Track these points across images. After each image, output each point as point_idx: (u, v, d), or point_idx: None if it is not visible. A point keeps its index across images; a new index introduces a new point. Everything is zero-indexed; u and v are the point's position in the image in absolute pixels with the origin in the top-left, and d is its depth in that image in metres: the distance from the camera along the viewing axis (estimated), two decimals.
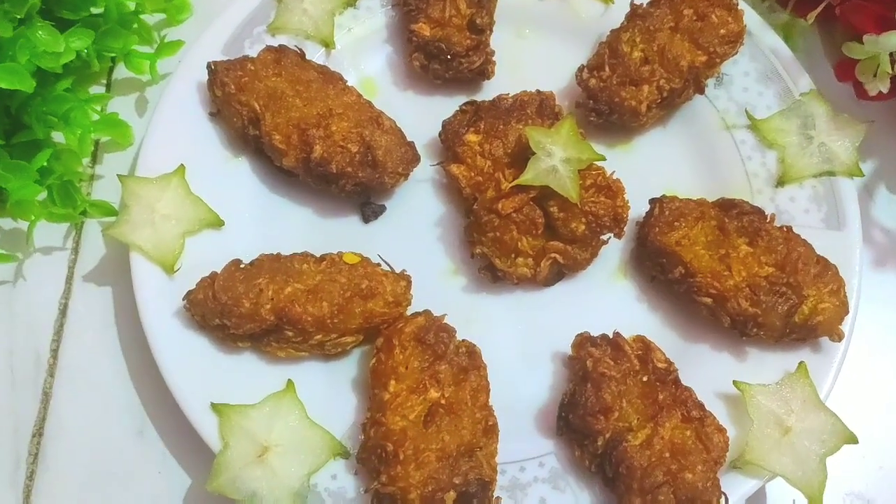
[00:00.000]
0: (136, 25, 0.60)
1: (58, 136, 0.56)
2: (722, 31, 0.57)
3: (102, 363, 0.54)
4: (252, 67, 0.55)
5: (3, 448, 0.51)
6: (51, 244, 0.57)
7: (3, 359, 0.53)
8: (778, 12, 0.63)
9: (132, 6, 0.59)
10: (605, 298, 0.56)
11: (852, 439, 0.49)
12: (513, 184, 0.51)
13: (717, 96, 0.60)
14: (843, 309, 0.51)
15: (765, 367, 0.52)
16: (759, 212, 0.53)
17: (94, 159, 0.59)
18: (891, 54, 0.56)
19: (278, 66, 0.56)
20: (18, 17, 0.49)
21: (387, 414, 0.46)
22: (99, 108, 0.58)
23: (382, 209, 0.57)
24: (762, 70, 0.60)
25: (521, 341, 0.54)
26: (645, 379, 0.49)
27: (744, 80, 0.59)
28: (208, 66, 0.55)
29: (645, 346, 0.50)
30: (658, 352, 0.50)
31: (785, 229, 0.53)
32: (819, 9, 0.61)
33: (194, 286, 0.50)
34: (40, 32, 0.49)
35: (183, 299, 0.50)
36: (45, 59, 0.49)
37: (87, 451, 0.52)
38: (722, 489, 0.47)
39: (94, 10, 0.57)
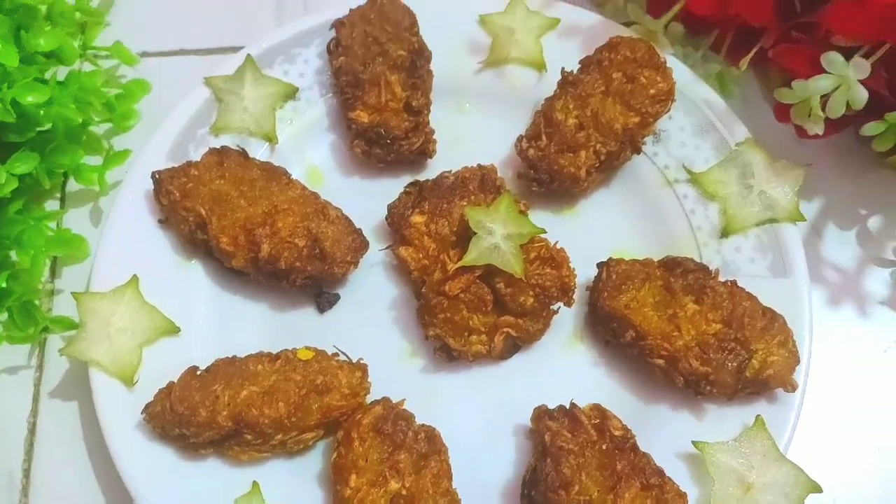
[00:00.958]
0: (84, 137, 0.62)
1: (15, 255, 0.57)
2: (652, 91, 0.58)
3: (73, 478, 0.55)
4: (195, 172, 0.57)
5: None
6: (15, 363, 0.58)
7: None
8: (711, 62, 0.64)
9: (79, 119, 0.60)
10: (563, 366, 0.57)
11: (816, 489, 0.50)
12: (457, 265, 0.52)
13: (655, 153, 0.61)
14: (793, 359, 0.51)
15: (724, 422, 0.53)
16: (703, 269, 0.54)
17: (53, 273, 0.60)
18: (822, 96, 0.58)
19: (221, 168, 0.58)
20: None
21: None
22: (54, 224, 0.59)
23: (336, 298, 0.58)
24: (697, 123, 0.61)
25: (483, 418, 0.55)
26: (604, 447, 0.49)
27: (680, 135, 0.61)
28: (152, 175, 0.57)
29: (601, 415, 0.51)
30: (614, 419, 0.51)
31: (730, 284, 0.53)
32: (750, 55, 0.63)
33: (153, 398, 0.51)
34: None
35: (142, 413, 0.50)
36: None
37: None
38: None
39: (41, 128, 0.59)
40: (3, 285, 0.54)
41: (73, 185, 0.63)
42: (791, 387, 0.51)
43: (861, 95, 0.54)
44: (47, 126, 0.59)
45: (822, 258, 0.61)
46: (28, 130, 0.56)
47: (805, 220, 0.57)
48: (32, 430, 0.56)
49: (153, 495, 0.50)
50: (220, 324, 0.57)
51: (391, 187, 0.60)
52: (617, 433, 0.50)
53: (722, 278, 0.55)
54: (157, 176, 0.57)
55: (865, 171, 0.64)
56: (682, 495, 0.48)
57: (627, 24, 0.65)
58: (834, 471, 0.53)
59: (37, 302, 0.57)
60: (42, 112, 0.56)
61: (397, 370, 0.56)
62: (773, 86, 0.62)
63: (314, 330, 0.57)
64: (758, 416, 0.51)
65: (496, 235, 0.53)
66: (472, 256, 0.52)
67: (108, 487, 0.54)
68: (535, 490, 0.49)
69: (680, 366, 0.52)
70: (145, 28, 0.69)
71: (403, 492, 0.48)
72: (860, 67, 0.54)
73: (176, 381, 0.51)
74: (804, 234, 0.62)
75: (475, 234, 0.53)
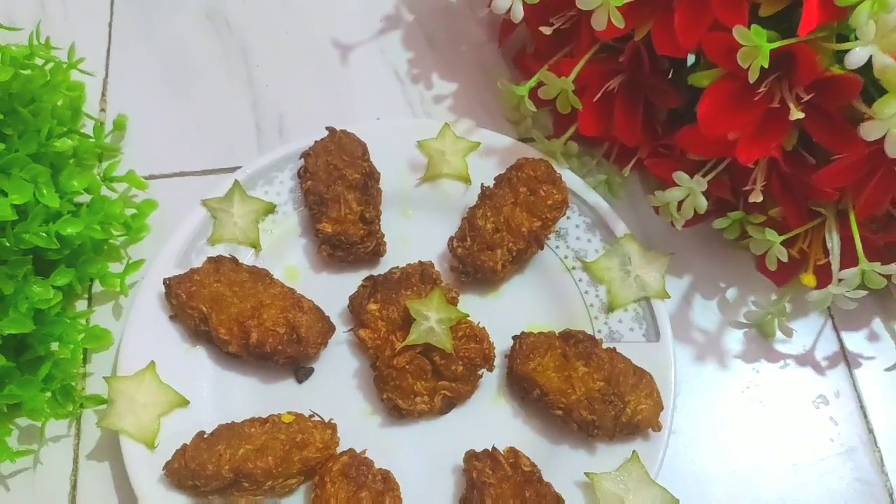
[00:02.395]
0: (105, 248, 0.77)
1: (54, 347, 0.69)
2: (549, 202, 0.71)
3: None
4: (197, 277, 0.69)
5: None
6: (58, 433, 0.68)
7: None
8: (603, 170, 0.78)
9: (103, 237, 0.72)
10: (488, 418, 0.68)
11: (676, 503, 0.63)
12: (402, 345, 0.66)
13: (557, 246, 0.74)
14: (658, 406, 0.65)
15: (610, 456, 0.65)
16: (591, 338, 0.68)
17: (84, 360, 0.72)
18: (679, 202, 0.71)
19: (217, 273, 0.69)
20: (17, 275, 0.65)
21: None
22: (84, 322, 0.72)
23: (311, 371, 0.71)
24: (589, 222, 0.74)
25: (427, 461, 0.66)
26: (517, 480, 0.62)
27: (576, 231, 0.74)
28: (164, 281, 0.69)
29: (515, 455, 0.64)
30: (524, 458, 0.64)
31: (610, 350, 0.67)
32: (630, 165, 0.76)
33: (171, 457, 0.63)
34: (35, 287, 0.64)
35: (163, 469, 0.63)
36: (39, 304, 0.65)
37: None
38: None
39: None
40: (48, 372, 0.68)
41: (97, 287, 0.74)
42: (657, 427, 0.65)
43: (702, 203, 0.67)
44: (78, 244, 0.72)
45: (690, 323, 0.73)
46: (65, 250, 0.69)
47: (669, 296, 0.70)
48: (74, 486, 0.67)
49: None
50: (221, 396, 0.68)
51: (352, 281, 0.71)
52: (526, 469, 0.63)
53: (607, 345, 0.68)
54: (167, 282, 0.69)
55: (724, 252, 0.75)
56: None
57: (531, 142, 0.77)
58: (696, 494, 0.67)
59: (74, 384, 0.69)
60: (74, 239, 0.69)
61: (360, 426, 0.67)
62: (652, 188, 0.76)
63: (294, 397, 0.68)
64: (634, 451, 0.64)
65: (431, 320, 0.66)
66: (413, 337, 0.66)
67: None
68: None
69: (574, 415, 0.64)
70: (151, 156, 0.80)
71: None
72: (700, 183, 0.67)
73: (188, 443, 0.63)
74: (677, 303, 0.73)
75: (415, 320, 0.67)
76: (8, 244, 0.65)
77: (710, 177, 0.69)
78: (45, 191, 0.66)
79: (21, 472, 0.69)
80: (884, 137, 0.59)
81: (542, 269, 0.74)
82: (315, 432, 0.65)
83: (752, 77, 0.61)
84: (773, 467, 0.69)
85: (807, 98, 0.63)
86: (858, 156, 0.64)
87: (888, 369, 0.73)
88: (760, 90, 0.64)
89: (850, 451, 0.69)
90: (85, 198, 0.74)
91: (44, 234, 0.66)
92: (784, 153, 0.67)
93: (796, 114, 0.62)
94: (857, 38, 0.57)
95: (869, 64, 0.57)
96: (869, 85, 0.61)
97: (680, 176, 0.69)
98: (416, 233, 0.76)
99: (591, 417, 0.65)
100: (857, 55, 0.56)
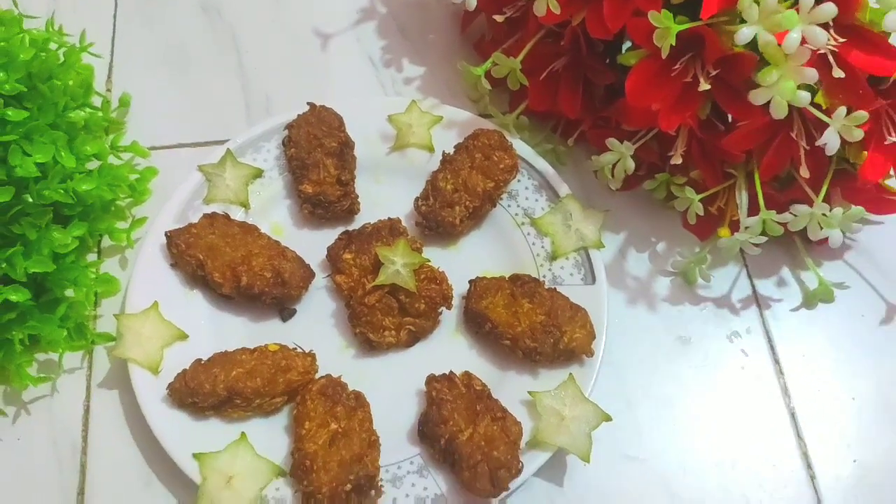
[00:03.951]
0: (113, 209, 0.87)
1: (69, 292, 0.78)
2: (501, 166, 0.80)
3: (117, 441, 0.73)
4: (195, 230, 0.77)
5: None
6: (73, 366, 0.77)
7: (50, 446, 0.73)
8: (545, 144, 0.88)
9: (111, 197, 0.82)
10: (448, 350, 0.77)
11: (607, 418, 0.70)
12: (372, 285, 0.76)
13: (509, 205, 0.82)
14: (590, 336, 0.74)
15: (551, 379, 0.73)
16: (535, 280, 0.78)
17: (95, 304, 0.81)
18: (613, 165, 0.83)
19: (212, 226, 0.77)
20: (40, 224, 0.75)
21: (304, 443, 0.67)
22: (94, 270, 0.81)
23: (294, 311, 0.79)
24: (536, 184, 0.83)
25: (394, 385, 0.74)
26: (470, 399, 0.72)
27: (525, 192, 0.83)
28: (165, 234, 0.78)
29: (468, 377, 0.73)
30: (476, 379, 0.73)
31: (551, 290, 0.78)
32: (574, 136, 0.88)
33: (173, 379, 0.73)
34: (55, 234, 0.73)
35: (166, 389, 0.72)
36: (59, 248, 0.75)
37: (115, 501, 0.71)
38: (520, 459, 0.69)
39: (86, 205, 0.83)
40: (64, 312, 0.78)
41: (105, 242, 0.84)
42: (590, 353, 0.75)
43: (630, 165, 0.79)
44: (90, 203, 0.82)
45: (625, 272, 0.82)
46: (78, 207, 0.79)
47: (604, 247, 0.80)
48: (87, 410, 0.75)
49: (175, 443, 0.70)
50: (215, 332, 0.76)
51: (329, 236, 0.79)
52: (478, 388, 0.72)
53: (549, 286, 0.79)
54: (168, 234, 0.78)
55: (655, 211, 0.85)
56: (518, 423, 0.70)
57: (491, 117, 0.87)
58: (622, 410, 0.76)
59: (86, 323, 0.79)
60: (88, 196, 0.80)
61: (336, 358, 0.76)
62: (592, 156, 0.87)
63: (279, 333, 0.76)
64: (570, 373, 0.73)
65: (397, 264, 0.76)
66: (382, 278, 0.76)
67: (142, 444, 0.73)
68: (426, 426, 0.71)
69: (519, 344, 0.73)
70: (152, 129, 0.89)
71: (339, 430, 0.69)
72: (628, 147, 0.78)
73: (188, 368, 0.74)
74: (613, 255, 0.83)
75: (383, 264, 0.77)
76: (31, 199, 0.75)
77: (638, 144, 0.80)
78: (63, 153, 0.76)
79: (40, 399, 0.78)
80: (770, 104, 0.70)
81: (496, 224, 0.84)
82: (297, 359, 0.75)
83: (664, 53, 0.72)
84: (692, 392, 0.78)
85: (714, 73, 0.74)
86: (760, 123, 0.75)
87: (793, 310, 0.84)
88: (676, 67, 0.75)
89: (758, 377, 0.80)
90: (95, 164, 0.84)
91: (62, 191, 0.76)
92: (699, 122, 0.78)
93: (704, 86, 0.73)
94: (743, 21, 0.68)
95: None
96: (762, 61, 0.73)
97: (612, 142, 0.80)
98: (385, 195, 0.85)
99: (534, 345, 0.74)
100: (744, 34, 0.68)
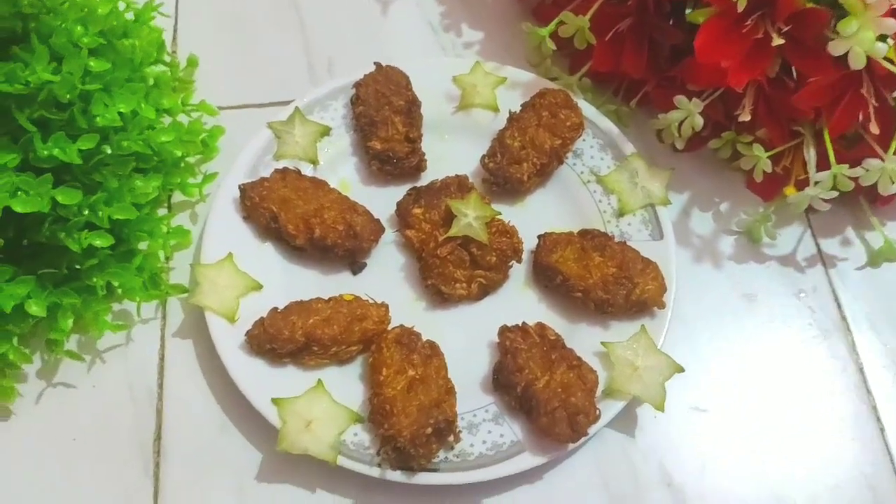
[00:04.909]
0: (183, 165, 0.88)
1: (143, 245, 0.79)
2: (568, 123, 0.81)
3: (192, 387, 0.74)
4: (267, 184, 0.78)
5: (136, 450, 0.71)
6: (148, 316, 0.78)
7: (127, 391, 0.74)
8: (608, 105, 0.89)
9: (179, 153, 0.84)
10: (517, 303, 0.77)
11: (680, 369, 0.70)
12: (445, 236, 0.77)
13: (575, 163, 0.83)
14: (661, 288, 0.75)
15: (621, 331, 0.73)
16: (605, 234, 0.79)
17: (168, 258, 0.82)
18: (679, 124, 0.84)
19: (284, 181, 0.78)
20: (121, 173, 0.76)
21: (383, 388, 0.68)
22: (167, 223, 0.82)
23: (364, 265, 0.79)
24: (601, 143, 0.84)
25: (465, 337, 0.75)
26: (544, 348, 0.72)
27: (591, 151, 0.83)
28: (239, 186, 0.78)
29: (542, 327, 0.74)
30: (550, 329, 0.74)
31: (621, 243, 0.78)
32: (637, 97, 0.89)
33: (250, 327, 0.74)
34: (137, 182, 0.74)
35: (244, 335, 0.72)
36: (139, 197, 0.76)
37: (191, 445, 0.71)
38: (597, 406, 0.70)
39: (157, 160, 0.84)
40: (140, 263, 0.79)
41: (175, 198, 0.85)
42: (661, 305, 0.76)
43: (699, 122, 0.79)
44: (164, 157, 0.82)
45: (689, 230, 0.83)
46: (154, 160, 0.80)
47: (671, 203, 0.81)
48: (162, 358, 0.76)
49: (253, 388, 0.70)
50: (288, 284, 0.77)
51: (397, 192, 0.81)
52: (552, 338, 0.73)
53: (617, 240, 0.81)
54: (241, 187, 0.79)
55: (718, 172, 0.85)
56: (593, 371, 0.71)
57: (553, 79, 0.87)
58: (693, 362, 0.74)
59: (161, 275, 0.80)
60: (163, 149, 0.80)
61: (408, 309, 0.76)
62: (655, 116, 0.87)
63: (350, 286, 0.77)
64: (642, 325, 0.73)
65: (470, 217, 0.77)
66: (455, 230, 0.76)
67: (217, 391, 0.74)
68: (501, 375, 0.72)
69: (591, 296, 0.73)
70: (218, 90, 0.90)
71: (417, 376, 0.70)
72: (696, 104, 0.79)
73: (265, 316, 0.75)
74: (677, 214, 0.83)
75: (455, 216, 0.78)
76: (110, 150, 0.76)
77: (707, 101, 0.80)
78: (142, 105, 0.77)
79: (115, 348, 0.79)
80: (847, 56, 0.70)
81: (562, 182, 0.84)
82: (371, 309, 0.76)
83: (741, 7, 0.73)
84: (759, 346, 0.78)
85: (786, 29, 0.75)
86: (830, 79, 0.76)
87: (858, 269, 0.84)
88: (747, 24, 0.76)
89: (826, 334, 0.81)
90: (167, 121, 0.85)
91: (141, 142, 0.77)
92: (768, 79, 0.79)
93: (777, 40, 0.74)
94: None
95: None
96: (836, 16, 0.74)
97: (680, 99, 0.81)
98: (451, 153, 0.85)
99: (606, 297, 0.75)
100: None
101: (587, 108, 0.85)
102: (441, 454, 0.69)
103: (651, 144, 0.87)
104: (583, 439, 0.69)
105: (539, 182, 0.84)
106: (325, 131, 0.85)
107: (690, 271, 0.81)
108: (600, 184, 0.83)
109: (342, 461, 0.68)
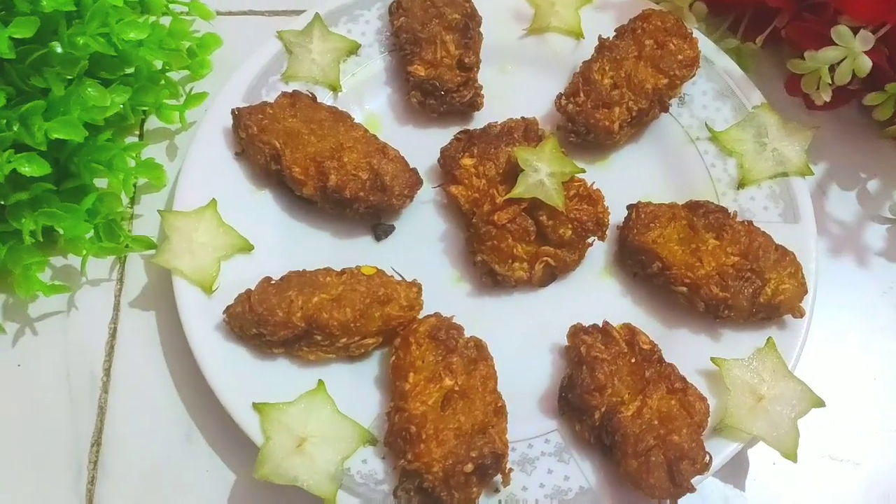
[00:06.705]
0: (163, 82, 0.68)
1: (100, 183, 0.63)
2: (679, 57, 0.65)
3: (150, 377, 0.60)
4: (271, 111, 0.63)
5: (66, 457, 0.58)
6: (99, 276, 0.64)
7: (62, 379, 0.60)
8: (728, 39, 0.71)
9: (159, 65, 0.66)
10: (594, 295, 0.62)
11: (820, 403, 0.55)
12: (506, 197, 0.59)
13: (680, 114, 0.67)
14: (802, 289, 0.58)
15: (738, 344, 0.58)
16: (723, 210, 0.61)
17: (133, 201, 0.66)
18: (830, 67, 0.65)
19: (294, 108, 0.64)
20: (69, 77, 0.57)
21: (408, 401, 0.53)
22: (135, 155, 0.65)
23: (392, 228, 0.64)
24: (718, 89, 0.68)
25: (522, 337, 0.61)
26: (633, 360, 0.56)
27: (703, 99, 0.67)
28: (232, 111, 0.63)
29: (631, 332, 0.57)
30: (643, 335, 0.57)
31: (746, 223, 0.60)
32: (766, 32, 0.70)
33: (232, 302, 0.57)
34: (90, 90, 0.56)
35: (223, 313, 0.57)
36: (93, 112, 0.57)
37: (141, 457, 0.58)
38: (706, 450, 0.53)
39: (126, 71, 0.65)
40: (92, 205, 0.60)
41: (150, 124, 0.69)
42: (799, 313, 0.58)
43: (866, 64, 0.62)
44: (131, 70, 0.64)
45: (825, 213, 0.67)
46: (119, 69, 0.62)
47: (813, 174, 0.63)
48: (113, 335, 0.62)
49: (229, 386, 0.56)
50: (288, 246, 0.63)
51: (441, 135, 0.66)
52: (645, 347, 0.56)
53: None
54: (236, 112, 0.63)
55: (866, 140, 0.70)
56: (703, 398, 0.54)
57: (656, 2, 0.71)
58: (835, 393, 0.58)
59: (120, 221, 0.62)
60: (133, 53, 0.62)
61: (446, 293, 0.62)
62: (784, 60, 0.68)
63: (370, 256, 0.62)
64: (769, 337, 0.57)
65: (541, 172, 0.59)
66: (520, 190, 0.59)
67: (180, 385, 0.60)
68: (572, 393, 0.55)
69: (701, 292, 0.58)
70: None
71: (456, 388, 0.53)
72: (865, 40, 0.61)
73: (253, 288, 0.57)
74: (810, 190, 0.66)
75: (522, 171, 0.59)
76: (60, 50, 0.57)
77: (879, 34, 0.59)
78: None
79: (52, 316, 0.63)
80: None
81: (662, 137, 0.69)
82: (399, 289, 0.59)
83: None
84: None
85: None
86: None
87: None
88: None
89: None
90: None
91: (101, 39, 0.58)
92: None
93: None
94: None
95: None
96: None
97: (841, 31, 0.62)
98: (515, 88, 0.71)
99: (724, 295, 0.58)
100: None
101: (703, 42, 0.69)
102: (482, 500, 0.54)
103: (779, 98, 0.70)
104: (684, 494, 0.52)
105: (632, 134, 0.68)
106: (353, 48, 0.70)
107: (827, 268, 0.65)
108: (714, 142, 0.67)
109: (344, 499, 0.54)
